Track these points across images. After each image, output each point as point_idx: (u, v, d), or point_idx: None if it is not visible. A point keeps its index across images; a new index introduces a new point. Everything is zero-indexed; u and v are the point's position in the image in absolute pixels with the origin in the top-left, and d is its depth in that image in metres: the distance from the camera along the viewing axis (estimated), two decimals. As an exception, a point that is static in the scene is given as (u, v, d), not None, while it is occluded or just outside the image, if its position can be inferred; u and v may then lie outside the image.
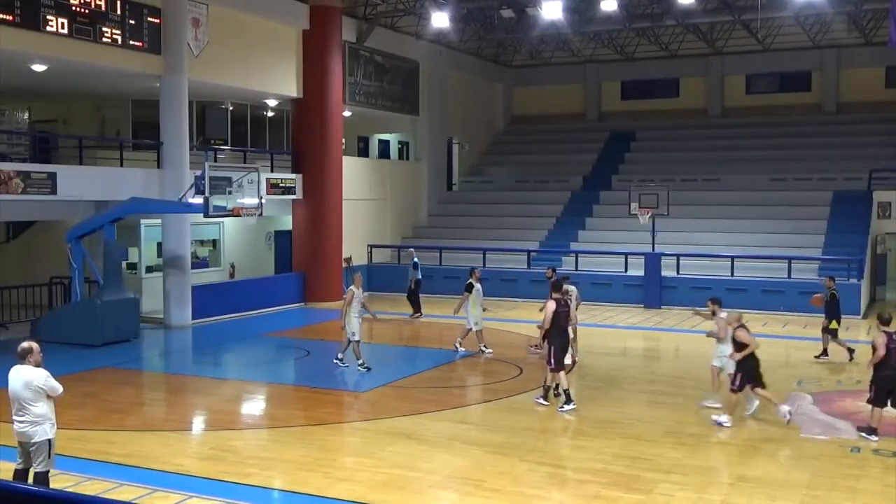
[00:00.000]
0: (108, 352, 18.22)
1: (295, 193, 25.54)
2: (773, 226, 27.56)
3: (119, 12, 19.63)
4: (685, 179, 30.72)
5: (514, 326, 21.55)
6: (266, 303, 24.12)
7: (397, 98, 30.38)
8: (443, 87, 32.75)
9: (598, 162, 34.36)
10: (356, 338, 16.08)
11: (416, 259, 23.76)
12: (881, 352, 11.68)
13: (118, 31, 19.62)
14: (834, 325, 17.30)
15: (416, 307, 23.17)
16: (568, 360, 14.10)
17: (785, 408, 12.53)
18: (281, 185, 24.87)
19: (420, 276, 23.51)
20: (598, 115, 37.78)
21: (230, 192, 19.07)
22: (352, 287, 16.33)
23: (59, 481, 9.42)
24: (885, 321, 12.04)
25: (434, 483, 10.23)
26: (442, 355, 17.83)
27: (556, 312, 13.23)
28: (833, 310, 17.41)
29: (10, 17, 17.35)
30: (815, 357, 17.55)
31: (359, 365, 16.06)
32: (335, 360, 16.40)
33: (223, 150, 24.89)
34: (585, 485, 10.02)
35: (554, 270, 18.70)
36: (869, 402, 11.94)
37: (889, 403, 11.86)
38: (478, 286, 17.81)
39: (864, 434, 11.81)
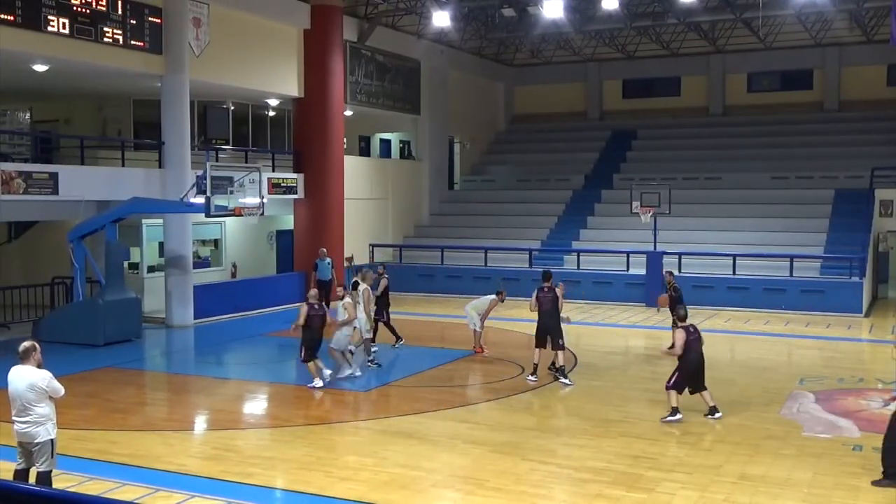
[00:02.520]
0: (110, 352, 18.23)
1: (296, 193, 25.54)
2: (774, 224, 27.55)
3: (120, 12, 19.63)
4: (687, 178, 30.72)
5: (516, 325, 21.54)
6: (268, 302, 24.12)
7: (398, 97, 30.38)
8: (444, 86, 32.75)
9: (600, 160, 34.35)
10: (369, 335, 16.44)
11: (328, 259, 22.80)
12: (678, 350, 12.64)
13: (119, 31, 19.63)
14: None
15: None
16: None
17: (323, 373, 14.67)
18: (282, 184, 24.88)
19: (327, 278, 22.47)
20: (599, 114, 37.78)
21: (232, 192, 19.06)
22: (366, 286, 16.57)
23: (62, 481, 9.42)
24: (681, 318, 13.08)
25: (436, 482, 10.23)
26: (443, 354, 17.83)
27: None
28: (677, 304, 17.58)
29: (11, 18, 17.36)
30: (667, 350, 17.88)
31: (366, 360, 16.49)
32: (367, 364, 16.48)
33: (224, 149, 24.89)
34: (587, 484, 10.01)
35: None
36: (667, 387, 12.77)
37: (687, 390, 12.79)
38: (363, 286, 17.82)
39: (668, 418, 12.48)
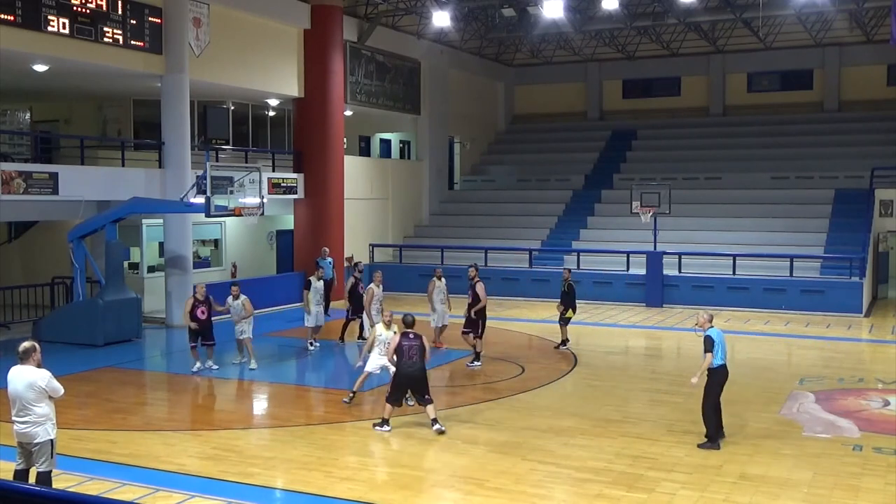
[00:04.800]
0: (110, 351, 18.23)
1: (296, 193, 25.55)
2: (774, 224, 27.55)
3: (120, 12, 19.63)
4: (687, 178, 30.72)
5: (517, 325, 21.57)
6: (268, 302, 24.07)
7: (399, 97, 30.38)
8: (444, 86, 32.76)
9: (600, 160, 34.35)
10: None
11: (329, 259, 22.64)
12: (391, 349, 12.29)
13: (119, 31, 19.63)
14: (570, 314, 18.33)
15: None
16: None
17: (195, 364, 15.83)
18: (282, 184, 24.88)
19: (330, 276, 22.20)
20: (599, 114, 37.77)
21: (232, 192, 19.05)
22: (371, 285, 16.89)
23: (62, 481, 9.42)
24: (407, 324, 12.43)
25: (436, 482, 10.23)
26: (443, 355, 17.82)
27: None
28: (569, 300, 18.33)
29: (11, 18, 17.36)
30: (555, 347, 18.38)
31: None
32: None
33: (224, 149, 24.90)
34: (587, 484, 10.02)
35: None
36: (385, 399, 12.31)
37: (416, 401, 12.35)
38: (317, 284, 18.24)
39: (376, 427, 12.10)
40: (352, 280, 18.95)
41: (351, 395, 13.80)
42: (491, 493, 9.71)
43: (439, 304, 18.08)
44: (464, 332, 16.85)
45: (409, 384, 12.26)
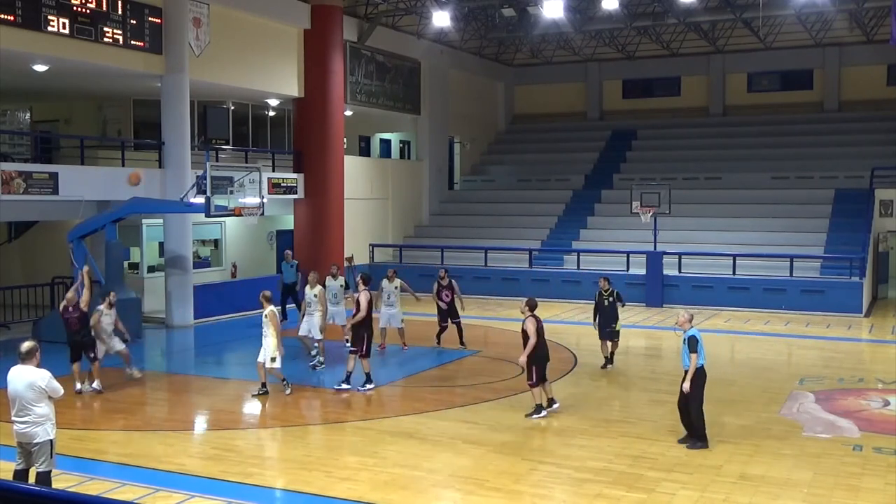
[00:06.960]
0: (110, 352, 18.21)
1: (296, 193, 25.55)
2: (774, 224, 27.55)
3: (120, 12, 19.64)
4: (687, 178, 30.73)
5: (517, 325, 21.50)
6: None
7: (399, 97, 30.39)
8: (444, 86, 32.76)
9: (600, 161, 34.36)
10: (300, 333, 16.83)
11: (293, 262, 22.25)
12: (534, 339, 12.71)
13: (119, 31, 19.64)
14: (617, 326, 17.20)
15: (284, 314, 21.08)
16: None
17: (78, 385, 14.23)
18: (282, 184, 24.88)
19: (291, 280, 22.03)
20: (599, 114, 37.77)
21: (231, 192, 19.06)
22: (307, 286, 16.73)
23: (61, 481, 9.42)
24: (532, 307, 13.05)
25: (436, 482, 10.23)
26: (443, 354, 17.83)
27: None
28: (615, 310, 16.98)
29: (11, 18, 17.37)
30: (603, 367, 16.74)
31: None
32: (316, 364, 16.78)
33: (224, 149, 24.90)
34: (587, 484, 10.02)
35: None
36: (531, 385, 12.92)
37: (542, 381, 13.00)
38: (331, 283, 17.70)
39: (533, 416, 12.71)
40: (435, 287, 18.49)
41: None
42: (491, 493, 9.71)
43: (385, 306, 17.49)
44: (351, 351, 14.74)
45: (545, 363, 12.99)
